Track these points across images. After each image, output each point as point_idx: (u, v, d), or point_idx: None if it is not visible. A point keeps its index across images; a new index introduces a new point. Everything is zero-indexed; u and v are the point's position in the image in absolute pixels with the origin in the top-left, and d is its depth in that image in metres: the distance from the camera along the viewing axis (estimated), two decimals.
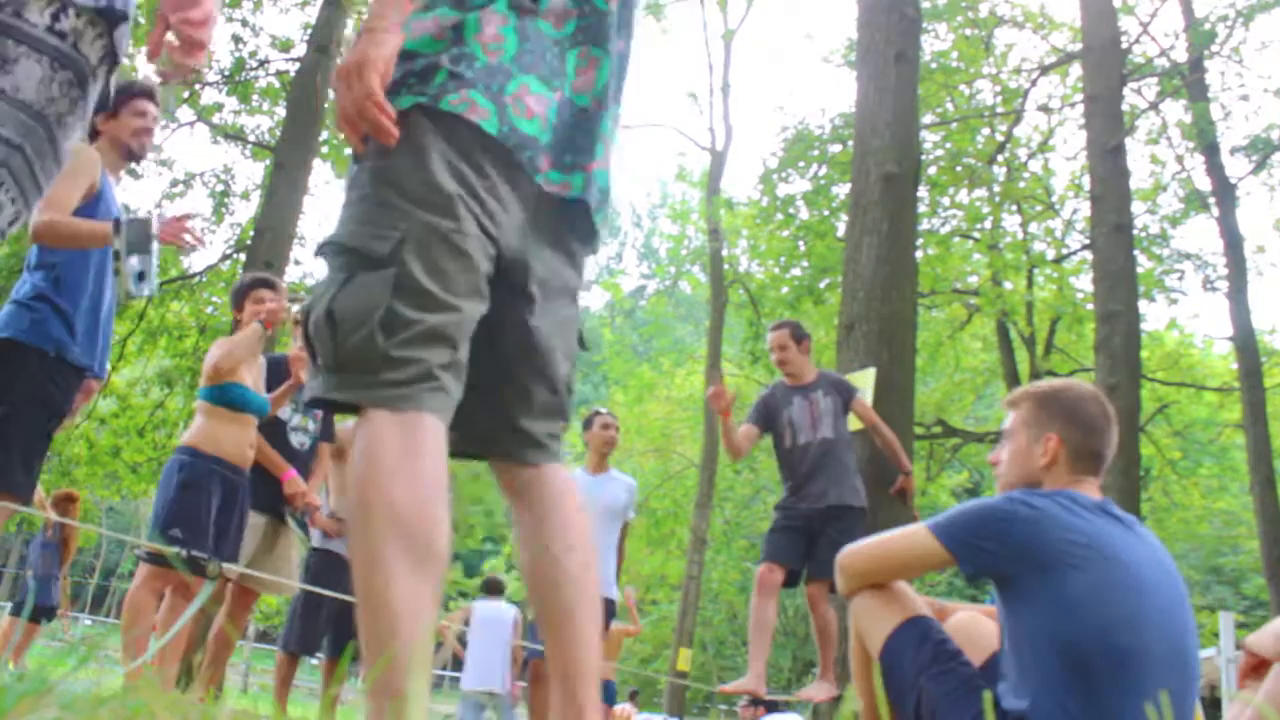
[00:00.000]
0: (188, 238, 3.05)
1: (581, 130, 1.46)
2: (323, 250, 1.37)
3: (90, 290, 3.04)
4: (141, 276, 1.44)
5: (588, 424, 5.46)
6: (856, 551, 2.16)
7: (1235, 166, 12.40)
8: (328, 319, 1.30)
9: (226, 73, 11.61)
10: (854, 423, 5.00)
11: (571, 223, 1.50)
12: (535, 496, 1.48)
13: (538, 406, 1.49)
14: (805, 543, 4.70)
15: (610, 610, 5.18)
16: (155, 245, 1.59)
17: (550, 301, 1.47)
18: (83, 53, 1.48)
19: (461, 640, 8.06)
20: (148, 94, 3.20)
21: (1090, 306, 11.35)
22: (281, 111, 11.52)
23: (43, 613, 8.07)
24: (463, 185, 1.35)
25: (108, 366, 3.12)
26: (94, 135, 3.13)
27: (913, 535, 2.07)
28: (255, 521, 4.23)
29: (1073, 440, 2.11)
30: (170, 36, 1.56)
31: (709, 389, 5.04)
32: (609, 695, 8.42)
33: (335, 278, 1.33)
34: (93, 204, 3.01)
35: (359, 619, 1.28)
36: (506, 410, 1.48)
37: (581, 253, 1.55)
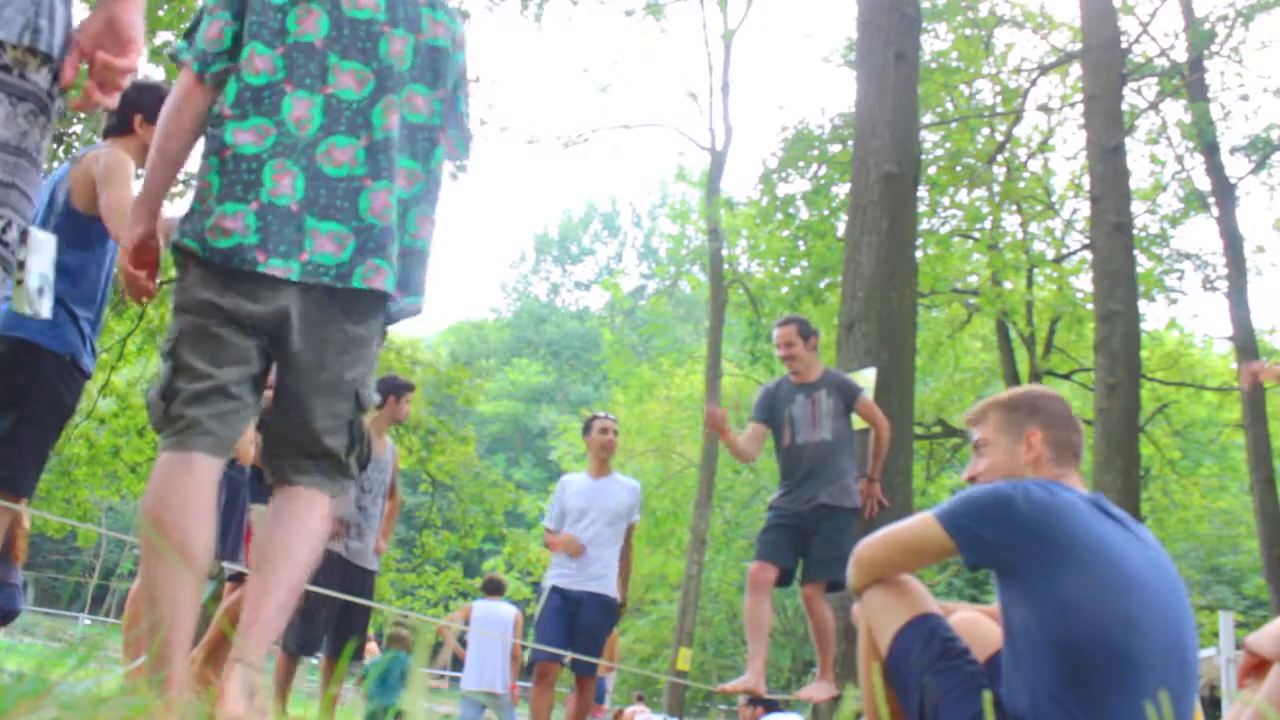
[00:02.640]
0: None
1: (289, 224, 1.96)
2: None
3: (100, 295, 3.05)
4: (40, 292, 1.46)
5: (587, 428, 5.41)
6: (870, 543, 2.17)
7: (1235, 166, 12.41)
8: (146, 398, 1.99)
9: None
10: (858, 422, 4.99)
11: (333, 296, 1.99)
12: (283, 503, 2.03)
13: (294, 443, 2.03)
14: (798, 541, 4.70)
15: (614, 610, 5.17)
16: (53, 266, 1.64)
17: (314, 358, 1.99)
18: (34, 81, 1.50)
19: (462, 640, 8.06)
20: None
21: (1090, 306, 11.35)
22: None
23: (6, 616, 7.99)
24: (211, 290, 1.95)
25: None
26: (126, 131, 3.13)
27: (921, 523, 2.08)
28: (260, 509, 4.23)
29: (1052, 434, 2.15)
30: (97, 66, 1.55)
31: (707, 410, 5.08)
32: (599, 694, 8.42)
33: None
34: None
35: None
36: (284, 436, 2.04)
37: (350, 316, 2.01)
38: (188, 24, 2.12)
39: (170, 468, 1.87)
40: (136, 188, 3.00)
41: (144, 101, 3.09)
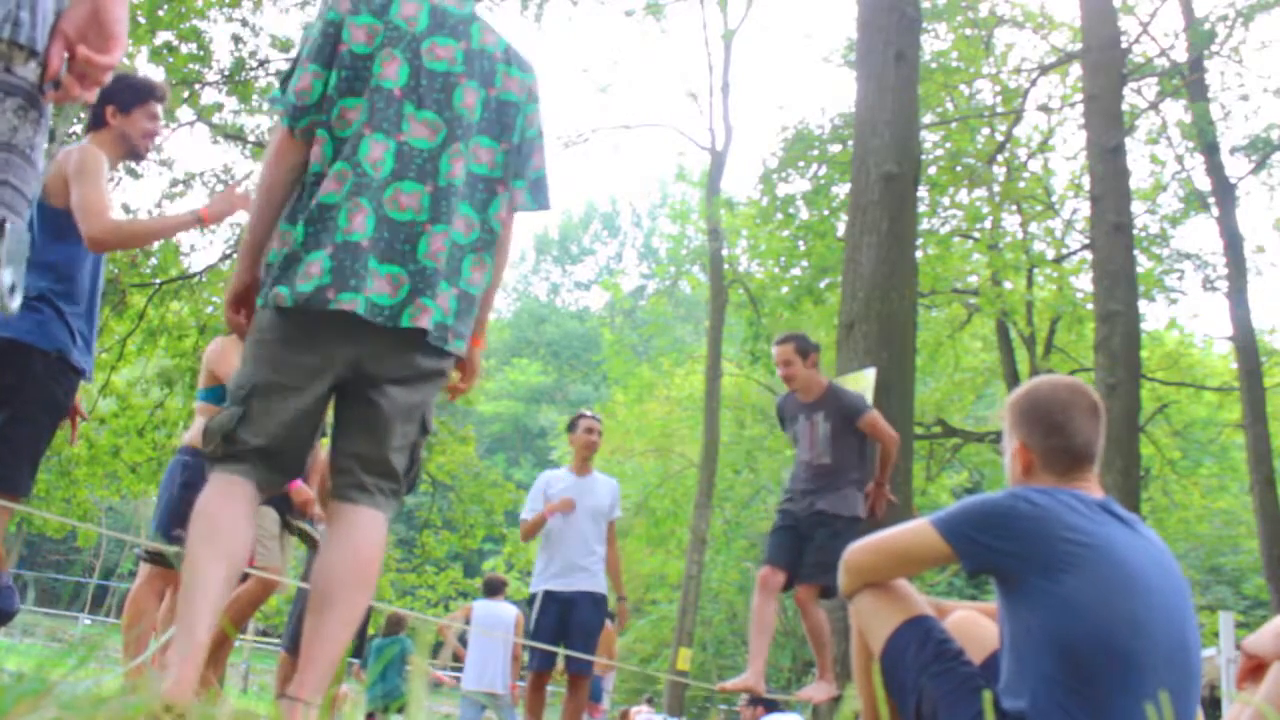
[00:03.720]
0: None
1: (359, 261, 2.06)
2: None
3: (88, 292, 3.03)
4: (12, 290, 1.44)
5: (572, 426, 5.49)
6: (859, 548, 2.15)
7: (1235, 166, 12.41)
8: (208, 425, 2.12)
9: (226, 73, 11.60)
10: None
11: (404, 333, 2.08)
12: (344, 527, 2.10)
13: (364, 461, 2.11)
14: (799, 544, 4.72)
15: (604, 607, 5.22)
16: (25, 262, 1.60)
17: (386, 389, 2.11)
18: (20, 75, 1.47)
19: (462, 640, 8.06)
20: (162, 97, 3.21)
21: (1090, 306, 11.35)
22: None
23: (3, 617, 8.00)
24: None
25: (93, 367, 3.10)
26: (100, 125, 3.10)
27: (916, 530, 2.06)
28: (267, 509, 4.24)
29: (1035, 443, 2.06)
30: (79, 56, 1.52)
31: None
32: (595, 694, 8.41)
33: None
34: None
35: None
36: (355, 454, 2.13)
37: (406, 351, 2.10)
38: (285, 69, 2.23)
39: (216, 486, 2.02)
40: (142, 192, 3.00)
41: (114, 92, 3.06)
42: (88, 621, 24.40)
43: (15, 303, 1.53)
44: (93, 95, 1.55)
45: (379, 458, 2.09)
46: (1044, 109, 14.28)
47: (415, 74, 2.11)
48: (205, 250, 15.59)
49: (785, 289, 13.50)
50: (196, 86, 11.43)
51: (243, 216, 3.33)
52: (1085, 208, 12.43)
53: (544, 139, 2.33)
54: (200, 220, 3.09)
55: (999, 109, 13.90)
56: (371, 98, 2.08)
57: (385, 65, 2.09)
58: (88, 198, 2.88)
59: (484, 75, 2.19)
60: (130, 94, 3.10)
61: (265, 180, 2.12)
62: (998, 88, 14.28)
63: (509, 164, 2.23)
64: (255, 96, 11.91)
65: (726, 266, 17.04)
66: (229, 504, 2.00)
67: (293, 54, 11.61)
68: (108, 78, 1.53)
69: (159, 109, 3.19)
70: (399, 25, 2.12)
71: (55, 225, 2.93)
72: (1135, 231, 10.54)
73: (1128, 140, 10.27)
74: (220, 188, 12.35)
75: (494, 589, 7.92)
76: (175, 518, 3.70)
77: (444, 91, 2.12)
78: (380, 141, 2.06)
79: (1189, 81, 11.87)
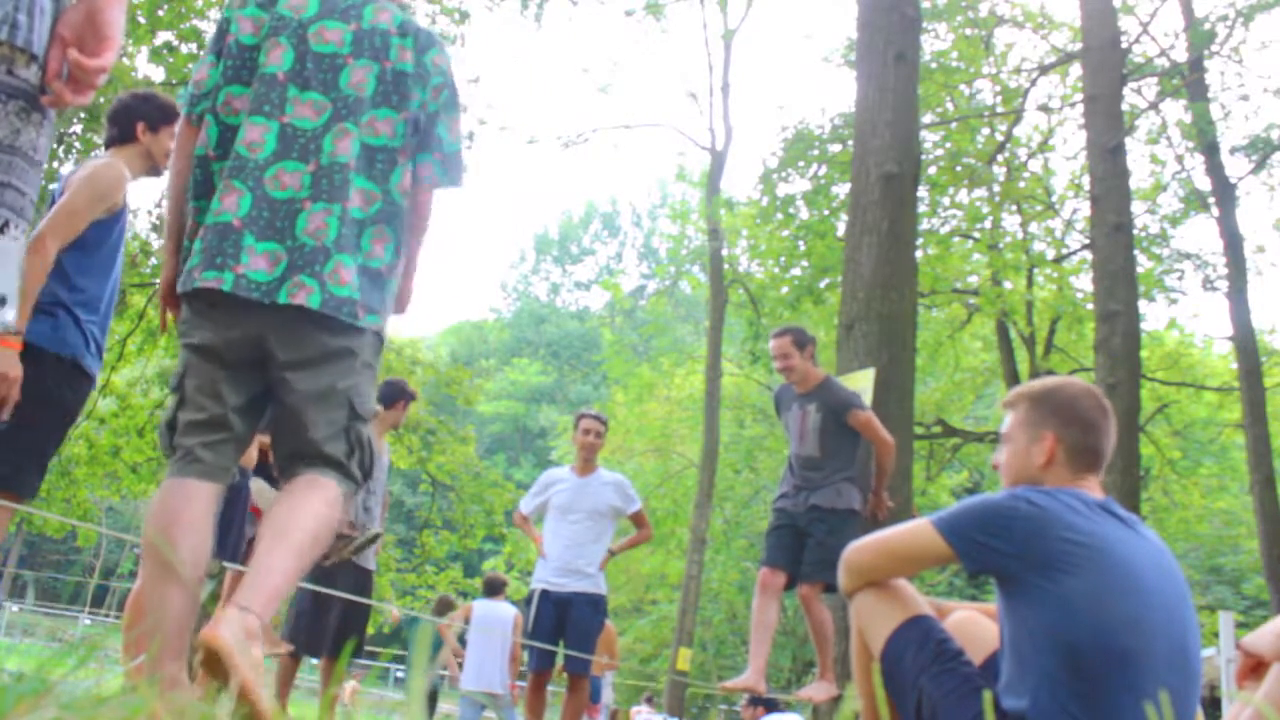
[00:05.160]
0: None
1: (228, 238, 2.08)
2: None
3: (105, 300, 3.05)
4: (4, 301, 1.42)
5: (575, 425, 5.51)
6: (860, 547, 2.15)
7: (1235, 166, 12.40)
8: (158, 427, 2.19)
9: None
10: None
11: (306, 314, 2.08)
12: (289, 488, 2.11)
13: (296, 453, 2.14)
14: (797, 543, 4.72)
15: (600, 607, 5.23)
16: (17, 274, 1.56)
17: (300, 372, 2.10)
18: (22, 77, 1.45)
19: (462, 640, 8.06)
20: None
21: (1090, 306, 11.35)
22: None
23: None
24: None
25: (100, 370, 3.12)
26: (128, 139, 3.13)
27: (916, 530, 2.06)
28: (263, 487, 4.24)
29: (1069, 438, 2.07)
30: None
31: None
32: (595, 693, 8.42)
33: None
34: (112, 221, 3.00)
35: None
36: (287, 448, 2.15)
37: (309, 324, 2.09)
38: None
39: (166, 490, 2.07)
40: (140, 191, 3.01)
41: (145, 110, 3.13)
42: (88, 621, 24.40)
43: (9, 315, 1.51)
44: (87, 99, 1.53)
45: (310, 451, 2.09)
46: (1044, 109, 14.28)
47: (301, 58, 2.16)
48: None
49: (785, 289, 13.50)
50: None
51: None
52: (1085, 208, 12.44)
53: (456, 113, 2.29)
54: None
55: (999, 109, 13.90)
56: (256, 85, 2.14)
57: (270, 53, 2.16)
58: (70, 205, 2.85)
59: (376, 50, 2.20)
60: (160, 113, 3.16)
61: (172, 168, 2.23)
62: (998, 88, 14.28)
63: (409, 134, 2.22)
64: None
65: (726, 266, 17.03)
66: (182, 509, 2.02)
67: None
68: (101, 80, 1.51)
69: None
70: (284, 15, 2.19)
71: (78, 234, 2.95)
72: (1135, 231, 10.54)
73: (1128, 140, 10.27)
74: None
75: (494, 589, 7.93)
76: None
77: (330, 72, 2.16)
78: (259, 124, 2.11)
79: (1189, 81, 11.87)
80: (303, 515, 2.00)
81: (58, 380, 2.88)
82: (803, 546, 4.70)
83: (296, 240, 2.07)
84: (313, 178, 2.10)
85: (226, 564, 3.87)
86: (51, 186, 3.30)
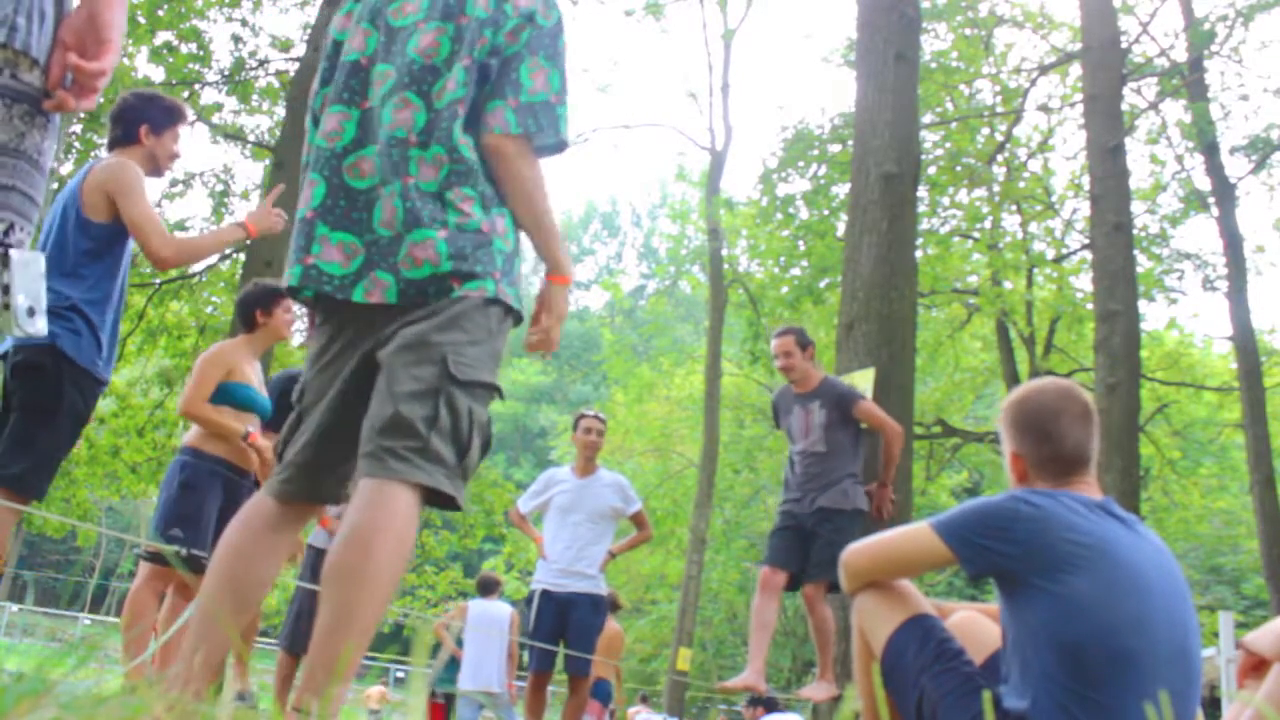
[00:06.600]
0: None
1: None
2: None
3: (115, 303, 3.06)
4: (31, 312, 1.42)
5: (575, 425, 5.51)
6: (859, 550, 2.16)
7: (1235, 166, 12.41)
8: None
9: (226, 73, 11.61)
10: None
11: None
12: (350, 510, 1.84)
13: (369, 428, 1.86)
14: (802, 544, 4.74)
15: (601, 608, 5.23)
16: (44, 283, 1.55)
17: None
18: (27, 82, 1.45)
19: (458, 640, 8.06)
20: (188, 120, 3.28)
21: (1090, 306, 11.35)
22: (281, 111, 11.50)
23: None
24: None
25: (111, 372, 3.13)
26: (131, 141, 3.15)
27: (915, 533, 2.06)
28: None
29: (1032, 454, 2.08)
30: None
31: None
32: (603, 694, 8.41)
33: None
34: (120, 220, 3.02)
35: None
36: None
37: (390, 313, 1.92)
38: None
39: (243, 509, 1.98)
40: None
41: (150, 112, 3.16)
42: (88, 621, 24.40)
43: (40, 325, 1.50)
44: (92, 104, 1.52)
45: (385, 412, 1.77)
46: (1044, 109, 14.29)
47: (383, 39, 2.03)
48: None
49: (785, 289, 13.50)
50: (196, 86, 11.43)
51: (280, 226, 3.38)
52: (1085, 208, 12.43)
53: (546, 60, 1.99)
54: (246, 233, 3.26)
55: (999, 109, 13.90)
56: (337, 74, 2.06)
57: (351, 40, 2.07)
58: (144, 216, 2.97)
59: (449, 9, 1.99)
60: (164, 115, 3.20)
61: None
62: (998, 88, 14.29)
63: (473, 82, 1.95)
64: (255, 96, 11.92)
65: (726, 266, 17.04)
66: (239, 528, 1.93)
67: (292, 53, 11.66)
68: (102, 83, 1.50)
69: (182, 131, 3.27)
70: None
71: (92, 238, 2.97)
72: (1135, 231, 10.55)
73: (1128, 140, 10.27)
74: (220, 188, 12.36)
75: (488, 588, 7.93)
76: (174, 518, 3.71)
77: (401, 42, 2.00)
78: (338, 112, 2.01)
79: (1189, 81, 11.88)
80: (350, 561, 1.70)
81: (72, 384, 2.89)
82: (807, 547, 4.71)
83: (375, 233, 1.91)
84: (381, 159, 1.93)
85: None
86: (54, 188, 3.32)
